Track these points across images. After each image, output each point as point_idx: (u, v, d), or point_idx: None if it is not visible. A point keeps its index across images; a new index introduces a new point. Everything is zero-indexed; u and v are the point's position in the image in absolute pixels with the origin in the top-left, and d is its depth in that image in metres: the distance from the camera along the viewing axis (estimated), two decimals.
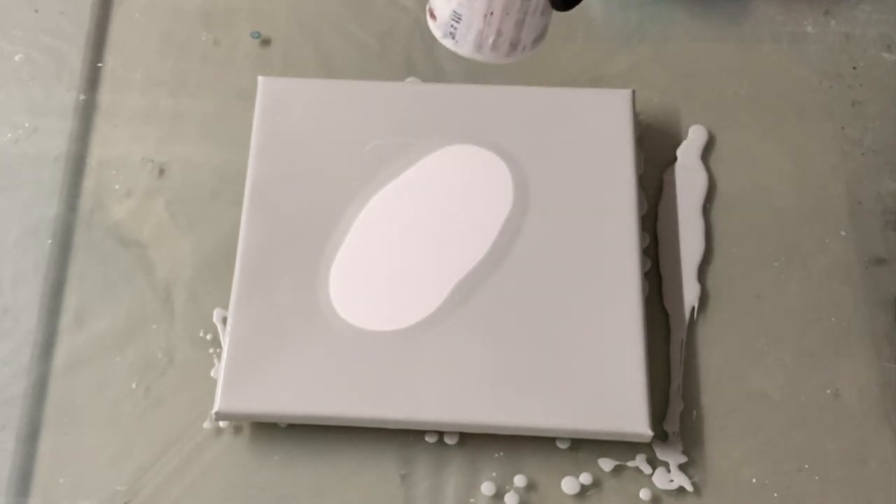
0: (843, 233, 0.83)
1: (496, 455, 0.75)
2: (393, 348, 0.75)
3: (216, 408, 0.73)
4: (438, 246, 0.79)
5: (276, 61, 0.91)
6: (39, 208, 0.84)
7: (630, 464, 0.75)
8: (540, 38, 0.68)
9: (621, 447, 0.75)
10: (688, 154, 0.86)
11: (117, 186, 0.85)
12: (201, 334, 0.79)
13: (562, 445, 0.75)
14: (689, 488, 0.74)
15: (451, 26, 0.65)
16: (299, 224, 0.80)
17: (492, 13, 0.64)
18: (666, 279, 0.81)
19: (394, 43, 0.91)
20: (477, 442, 0.75)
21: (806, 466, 0.75)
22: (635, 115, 0.83)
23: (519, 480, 0.74)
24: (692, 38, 0.91)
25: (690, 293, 0.80)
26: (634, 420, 0.73)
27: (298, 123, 0.83)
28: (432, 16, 0.66)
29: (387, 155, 0.82)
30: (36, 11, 0.93)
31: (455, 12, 0.65)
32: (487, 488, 0.74)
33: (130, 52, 0.91)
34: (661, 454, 0.75)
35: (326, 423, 0.74)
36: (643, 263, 0.79)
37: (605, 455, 0.75)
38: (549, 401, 0.73)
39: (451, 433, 0.75)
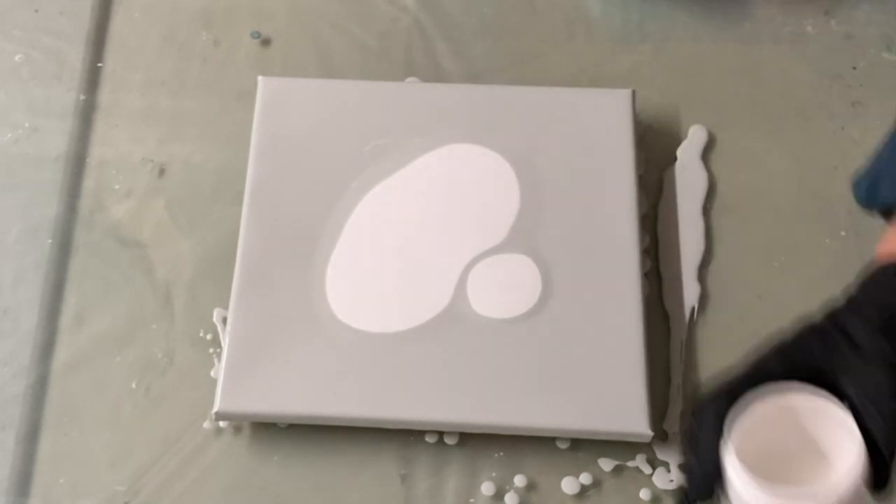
0: (843, 233, 0.83)
1: (496, 455, 0.75)
2: (393, 348, 0.75)
3: (216, 408, 0.73)
4: (439, 246, 0.79)
5: (276, 61, 0.91)
6: (39, 208, 0.84)
7: (630, 464, 0.75)
8: None
9: (621, 447, 0.75)
10: (688, 154, 0.86)
11: (117, 186, 0.85)
12: (201, 334, 0.79)
13: (562, 445, 0.75)
14: None
15: None
16: (299, 224, 0.80)
17: None
18: (666, 279, 0.81)
19: (394, 43, 0.91)
20: (477, 442, 0.75)
21: None
22: (635, 115, 0.83)
23: (519, 480, 0.74)
24: (692, 38, 0.91)
25: (690, 293, 0.80)
26: (634, 420, 0.73)
27: (298, 123, 0.83)
28: None
29: (386, 155, 0.82)
30: (36, 11, 0.93)
31: None
32: (487, 488, 0.74)
33: (130, 52, 0.91)
34: (661, 454, 0.75)
35: (326, 423, 0.74)
36: (643, 263, 0.79)
37: (605, 455, 0.75)
38: (549, 401, 0.73)
39: (451, 433, 0.75)
